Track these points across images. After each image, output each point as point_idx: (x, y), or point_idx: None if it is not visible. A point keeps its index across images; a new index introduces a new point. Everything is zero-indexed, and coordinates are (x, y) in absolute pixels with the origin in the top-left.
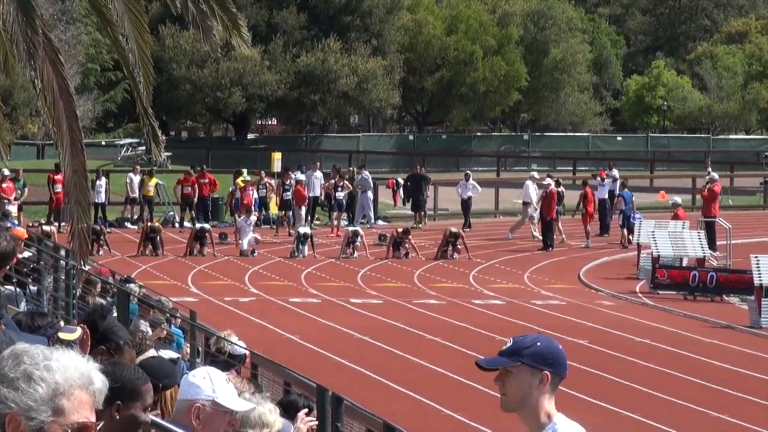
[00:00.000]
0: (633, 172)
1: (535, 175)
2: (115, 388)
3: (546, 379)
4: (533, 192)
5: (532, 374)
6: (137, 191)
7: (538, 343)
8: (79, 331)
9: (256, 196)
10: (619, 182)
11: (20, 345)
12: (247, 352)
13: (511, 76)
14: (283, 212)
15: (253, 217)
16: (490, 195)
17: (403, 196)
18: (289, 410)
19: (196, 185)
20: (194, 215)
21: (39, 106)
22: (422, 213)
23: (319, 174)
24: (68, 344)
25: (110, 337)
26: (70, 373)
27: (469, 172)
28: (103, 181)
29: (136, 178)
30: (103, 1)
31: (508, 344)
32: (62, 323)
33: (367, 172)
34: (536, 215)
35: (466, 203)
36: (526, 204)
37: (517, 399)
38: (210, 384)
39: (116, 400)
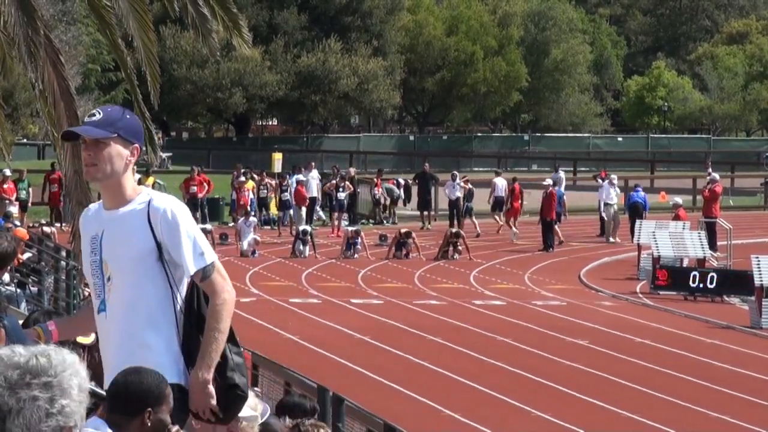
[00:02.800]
0: (633, 172)
1: (614, 178)
2: (144, 395)
3: (136, 152)
4: (614, 192)
5: (125, 146)
6: None
7: (128, 116)
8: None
9: (252, 196)
10: (553, 181)
11: (22, 356)
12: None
13: (511, 76)
14: (282, 212)
15: (253, 219)
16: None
17: (403, 197)
18: (296, 413)
19: (204, 184)
20: (196, 216)
21: (40, 107)
22: (429, 213)
23: (315, 174)
24: (84, 348)
25: None
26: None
27: (456, 172)
28: None
29: (138, 178)
30: (103, 3)
31: (99, 116)
32: None
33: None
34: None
35: (454, 204)
36: (608, 205)
37: (108, 170)
38: None
39: (146, 407)
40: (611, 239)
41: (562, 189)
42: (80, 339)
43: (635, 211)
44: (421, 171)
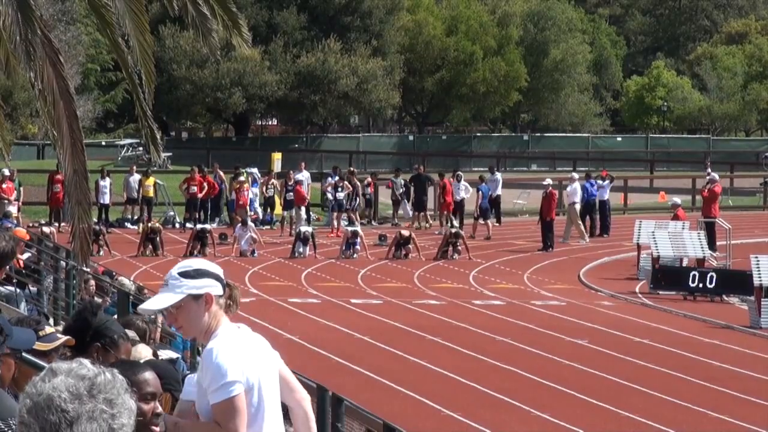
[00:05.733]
0: (633, 172)
1: (575, 176)
2: (135, 396)
3: None
4: (579, 191)
5: None
6: (135, 191)
7: None
8: (58, 341)
9: (251, 195)
10: (483, 180)
11: (68, 376)
12: None
13: (511, 76)
14: (287, 212)
15: (248, 220)
16: None
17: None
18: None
19: (204, 184)
20: (195, 216)
21: (39, 107)
22: (424, 214)
23: (306, 174)
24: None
25: (104, 332)
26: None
27: (460, 173)
28: (107, 181)
29: (134, 179)
30: (103, 2)
31: None
32: (48, 329)
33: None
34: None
35: (458, 205)
36: (573, 204)
37: None
38: None
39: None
40: (564, 239)
41: (499, 190)
42: (39, 345)
43: (593, 207)
44: (416, 173)
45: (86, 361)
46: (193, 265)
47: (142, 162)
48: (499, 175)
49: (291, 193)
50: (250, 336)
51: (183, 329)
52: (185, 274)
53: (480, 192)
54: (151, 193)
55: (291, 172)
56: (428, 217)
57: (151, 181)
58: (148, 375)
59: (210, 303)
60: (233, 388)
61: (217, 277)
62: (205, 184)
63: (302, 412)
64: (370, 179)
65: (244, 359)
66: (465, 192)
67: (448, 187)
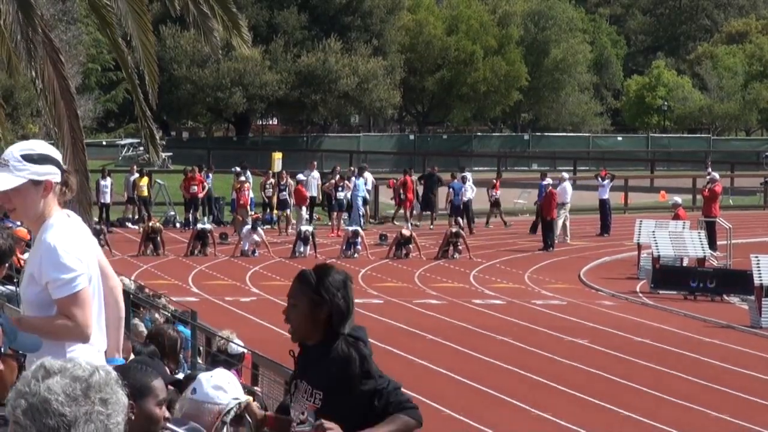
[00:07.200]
0: (633, 172)
1: (565, 175)
2: (127, 390)
3: None
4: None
5: None
6: (132, 191)
7: None
8: None
9: (252, 195)
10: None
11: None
12: (246, 351)
13: (511, 76)
14: (281, 212)
15: (249, 220)
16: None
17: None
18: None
19: (204, 185)
20: (195, 216)
21: (40, 106)
22: (432, 213)
23: (316, 174)
24: None
25: None
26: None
27: (467, 174)
28: (108, 181)
29: (134, 178)
30: (103, 3)
31: None
32: None
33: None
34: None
35: (465, 205)
36: (564, 205)
37: None
38: (235, 390)
39: (129, 401)
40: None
41: (471, 196)
42: None
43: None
44: (429, 172)
45: (79, 360)
46: (36, 149)
47: (143, 162)
48: (468, 174)
49: (284, 193)
50: (80, 224)
51: (15, 212)
52: (28, 158)
53: (452, 189)
54: (145, 193)
55: (284, 171)
56: (431, 216)
57: (144, 181)
58: (161, 381)
59: (48, 190)
60: (78, 281)
61: (57, 164)
62: (205, 184)
63: (113, 300)
64: (495, 181)
65: (83, 250)
66: (471, 192)
67: (410, 184)
